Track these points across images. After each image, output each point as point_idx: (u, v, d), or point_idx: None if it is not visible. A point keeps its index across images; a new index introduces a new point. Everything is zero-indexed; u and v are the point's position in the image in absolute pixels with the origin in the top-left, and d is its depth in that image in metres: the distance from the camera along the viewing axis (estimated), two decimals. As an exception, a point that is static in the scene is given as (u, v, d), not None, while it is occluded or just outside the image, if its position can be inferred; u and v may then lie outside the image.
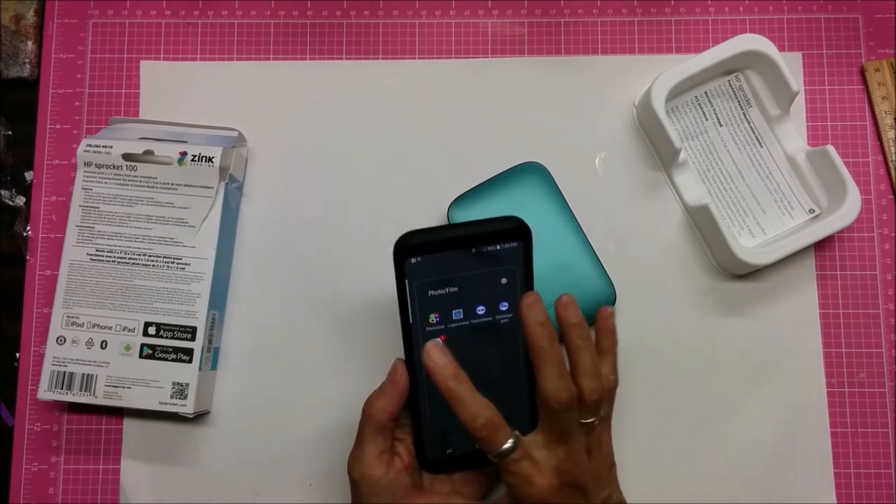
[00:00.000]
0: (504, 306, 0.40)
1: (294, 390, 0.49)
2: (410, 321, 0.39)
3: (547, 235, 0.47)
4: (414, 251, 0.38)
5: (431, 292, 0.39)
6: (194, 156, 0.46)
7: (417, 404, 0.41)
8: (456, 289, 0.39)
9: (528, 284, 0.39)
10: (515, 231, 0.38)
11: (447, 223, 0.39)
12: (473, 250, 0.38)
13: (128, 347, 0.46)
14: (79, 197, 0.47)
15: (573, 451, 0.38)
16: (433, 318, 0.39)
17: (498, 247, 0.38)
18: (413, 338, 0.40)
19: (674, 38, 0.52)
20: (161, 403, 0.45)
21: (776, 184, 0.50)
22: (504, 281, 0.39)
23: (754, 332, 0.49)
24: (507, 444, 0.37)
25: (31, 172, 0.51)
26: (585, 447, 0.39)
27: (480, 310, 0.40)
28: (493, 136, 0.51)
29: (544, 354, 0.37)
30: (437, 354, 0.37)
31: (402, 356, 0.41)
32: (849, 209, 0.46)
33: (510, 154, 0.50)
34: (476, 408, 0.37)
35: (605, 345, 0.42)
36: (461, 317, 0.40)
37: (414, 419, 0.42)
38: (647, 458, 0.48)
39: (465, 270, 0.39)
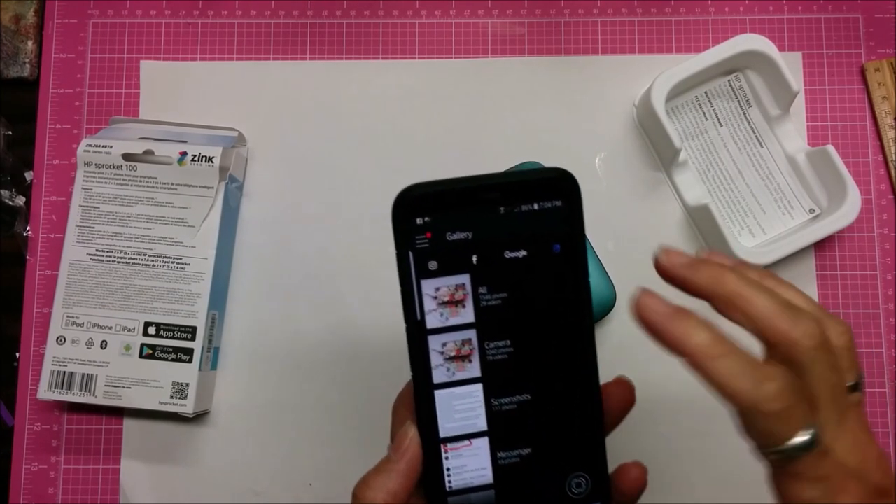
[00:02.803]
0: (546, 292, 0.29)
1: (294, 390, 0.49)
2: (418, 317, 0.29)
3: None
4: (421, 208, 0.28)
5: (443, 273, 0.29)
6: (194, 156, 0.46)
7: (432, 439, 0.30)
8: (479, 265, 0.29)
9: (577, 264, 0.29)
10: (558, 184, 0.28)
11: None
12: (502, 209, 0.28)
13: (128, 347, 0.46)
14: (79, 197, 0.47)
15: (862, 439, 0.25)
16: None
17: (535, 206, 0.28)
18: (421, 341, 0.29)
19: (674, 38, 0.52)
20: (161, 403, 0.45)
21: (776, 184, 0.50)
22: (545, 255, 0.29)
23: (754, 332, 0.49)
24: (806, 434, 0.23)
25: (31, 172, 0.51)
26: (867, 431, 0.26)
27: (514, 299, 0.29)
28: (493, 136, 0.51)
29: (729, 280, 0.25)
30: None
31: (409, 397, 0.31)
32: (849, 209, 0.46)
33: (510, 154, 0.50)
34: (751, 366, 0.24)
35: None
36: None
37: (427, 453, 0.30)
38: (647, 459, 0.48)
39: (490, 239, 0.28)
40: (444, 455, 0.30)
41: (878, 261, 0.50)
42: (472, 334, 0.29)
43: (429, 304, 0.29)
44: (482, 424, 0.30)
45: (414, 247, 0.28)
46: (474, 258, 0.29)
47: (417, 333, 0.29)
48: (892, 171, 0.50)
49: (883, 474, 0.24)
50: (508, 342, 0.29)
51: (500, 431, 0.30)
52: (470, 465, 0.30)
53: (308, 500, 0.48)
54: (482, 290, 0.29)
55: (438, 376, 0.29)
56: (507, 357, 0.29)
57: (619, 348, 0.48)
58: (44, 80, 0.52)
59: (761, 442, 0.24)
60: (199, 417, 0.48)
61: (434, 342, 0.29)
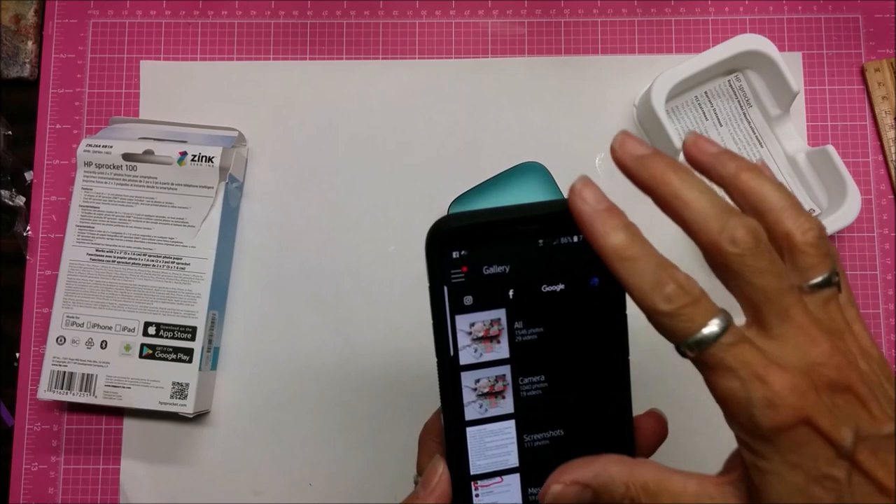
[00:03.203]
0: (583, 326, 0.28)
1: (294, 390, 0.49)
2: (451, 353, 0.27)
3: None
4: (457, 242, 0.27)
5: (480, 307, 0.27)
6: (194, 156, 0.46)
7: (462, 476, 0.29)
8: (515, 299, 0.28)
9: (616, 298, 0.28)
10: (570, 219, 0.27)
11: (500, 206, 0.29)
12: (541, 242, 0.27)
13: (128, 347, 0.46)
14: (79, 197, 0.47)
15: (811, 335, 0.23)
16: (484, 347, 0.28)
17: (575, 238, 0.27)
18: (454, 377, 0.28)
19: (674, 38, 0.52)
20: (161, 403, 0.45)
21: (776, 184, 0.50)
22: (583, 288, 0.28)
23: (754, 332, 0.49)
24: (714, 325, 0.23)
25: (31, 172, 0.51)
26: (829, 329, 0.24)
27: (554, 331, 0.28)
28: (493, 136, 0.51)
29: (669, 180, 0.25)
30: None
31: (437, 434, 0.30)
32: (849, 209, 0.46)
33: (510, 154, 0.50)
34: (658, 268, 0.24)
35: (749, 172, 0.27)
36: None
37: (457, 490, 0.29)
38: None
39: (527, 273, 0.27)
40: (474, 492, 0.29)
41: (878, 261, 0.50)
42: (506, 370, 0.28)
43: (462, 340, 0.28)
44: (514, 461, 0.29)
45: (449, 281, 0.27)
46: (511, 292, 0.27)
47: (450, 369, 0.28)
48: (892, 171, 0.50)
49: (836, 370, 0.23)
50: (543, 377, 0.29)
51: (531, 467, 0.29)
52: (500, 500, 0.29)
53: (308, 500, 0.48)
54: (518, 324, 0.28)
55: (471, 413, 0.28)
56: (541, 392, 0.29)
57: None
58: (44, 80, 0.52)
59: (669, 339, 0.24)
60: (199, 417, 0.48)
61: (467, 378, 0.28)
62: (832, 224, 0.46)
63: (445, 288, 0.27)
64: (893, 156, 0.50)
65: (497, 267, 0.27)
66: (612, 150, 0.26)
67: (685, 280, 0.24)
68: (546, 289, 0.28)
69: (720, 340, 0.23)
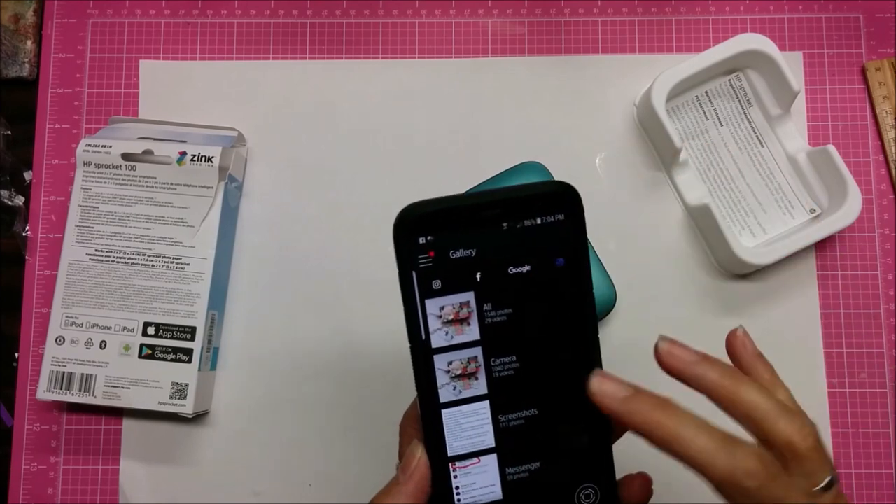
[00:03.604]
0: (551, 306, 0.29)
1: (293, 390, 0.49)
2: (423, 337, 0.29)
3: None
4: (423, 227, 0.28)
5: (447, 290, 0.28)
6: (194, 155, 0.46)
7: (440, 458, 0.30)
8: (483, 282, 0.29)
9: (581, 278, 0.29)
10: (560, 198, 0.28)
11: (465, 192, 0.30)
12: (504, 226, 0.28)
13: (127, 347, 0.45)
14: (78, 197, 0.46)
15: None
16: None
17: (538, 220, 0.28)
18: (426, 361, 0.29)
19: (674, 38, 0.52)
20: (160, 404, 0.45)
21: (777, 183, 0.50)
22: (549, 269, 0.29)
23: (755, 332, 0.48)
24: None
25: (31, 172, 0.51)
26: None
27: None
28: (493, 135, 0.51)
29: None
30: (609, 385, 0.27)
31: (414, 416, 0.31)
32: (850, 209, 0.46)
33: (510, 154, 0.49)
34: (714, 439, 0.25)
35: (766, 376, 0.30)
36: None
37: (435, 473, 0.30)
38: (646, 459, 0.48)
39: (493, 256, 0.28)
40: (452, 474, 0.29)
41: (879, 261, 0.50)
42: (477, 352, 0.29)
43: (433, 324, 0.28)
44: (490, 441, 0.30)
45: (417, 266, 0.28)
46: (478, 275, 0.28)
47: (422, 353, 0.29)
48: (893, 171, 0.50)
49: None
50: (514, 358, 0.29)
51: (508, 447, 0.30)
52: (479, 482, 0.29)
53: (307, 500, 0.48)
54: (487, 306, 0.29)
55: (445, 395, 0.29)
56: (513, 373, 0.29)
57: (620, 349, 0.48)
58: (43, 79, 0.52)
59: None
60: (198, 417, 0.48)
61: (440, 361, 0.29)
62: (832, 224, 0.46)
63: (414, 273, 0.28)
64: (894, 155, 0.50)
65: (464, 251, 0.28)
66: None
67: (754, 450, 0.25)
68: (513, 270, 0.29)
69: None
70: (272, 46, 0.52)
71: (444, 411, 0.29)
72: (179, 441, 0.48)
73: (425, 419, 0.29)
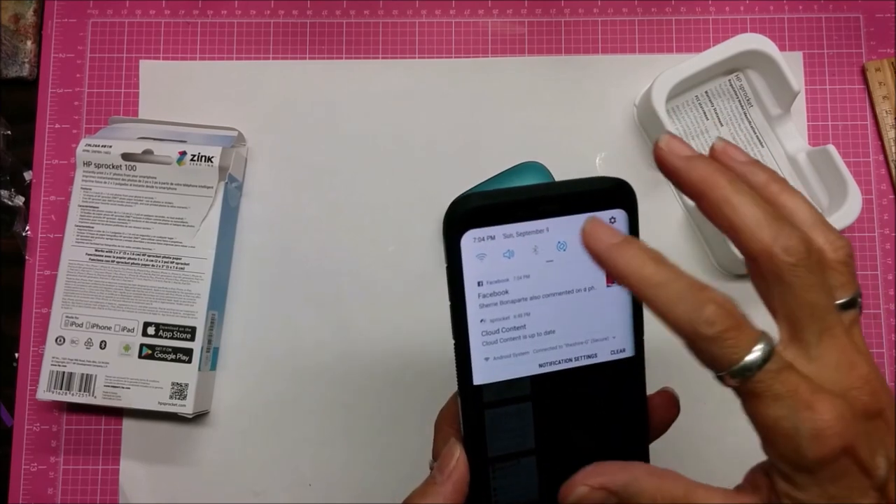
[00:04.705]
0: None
1: (294, 390, 0.48)
2: (470, 340, 0.27)
3: (547, 235, 0.47)
4: (475, 221, 0.26)
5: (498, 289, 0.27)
6: (193, 155, 0.46)
7: (479, 459, 0.29)
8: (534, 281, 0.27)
9: None
10: (617, 195, 0.28)
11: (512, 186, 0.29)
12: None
13: (127, 347, 0.45)
14: (78, 197, 0.46)
15: (849, 358, 0.23)
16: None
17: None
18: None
19: (674, 38, 0.52)
20: (160, 404, 0.45)
21: (777, 183, 0.50)
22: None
23: (755, 332, 0.49)
24: (758, 351, 0.22)
25: (31, 172, 0.51)
26: (859, 350, 0.24)
27: None
28: (493, 135, 0.51)
29: (720, 184, 0.24)
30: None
31: (452, 413, 0.30)
32: (849, 209, 0.46)
33: (510, 154, 0.49)
34: (693, 290, 0.23)
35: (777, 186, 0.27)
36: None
37: (474, 473, 0.29)
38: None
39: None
40: (491, 475, 0.29)
41: (879, 261, 0.50)
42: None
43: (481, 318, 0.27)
44: (530, 443, 0.29)
45: (468, 262, 0.27)
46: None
47: (468, 353, 0.27)
48: (893, 171, 0.50)
49: (871, 395, 0.22)
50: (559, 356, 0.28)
51: (548, 448, 0.29)
52: (517, 483, 0.29)
53: (308, 501, 0.48)
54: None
55: (489, 395, 0.28)
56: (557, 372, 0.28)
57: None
58: (43, 79, 0.52)
59: (711, 367, 0.23)
60: (198, 417, 0.48)
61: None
62: (833, 224, 0.46)
63: (464, 271, 0.26)
64: (894, 155, 0.50)
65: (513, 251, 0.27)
66: (658, 150, 0.26)
67: (725, 301, 0.23)
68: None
69: (766, 367, 0.22)
70: (272, 46, 0.52)
71: (486, 411, 0.28)
72: (179, 441, 0.48)
73: (466, 419, 0.28)
